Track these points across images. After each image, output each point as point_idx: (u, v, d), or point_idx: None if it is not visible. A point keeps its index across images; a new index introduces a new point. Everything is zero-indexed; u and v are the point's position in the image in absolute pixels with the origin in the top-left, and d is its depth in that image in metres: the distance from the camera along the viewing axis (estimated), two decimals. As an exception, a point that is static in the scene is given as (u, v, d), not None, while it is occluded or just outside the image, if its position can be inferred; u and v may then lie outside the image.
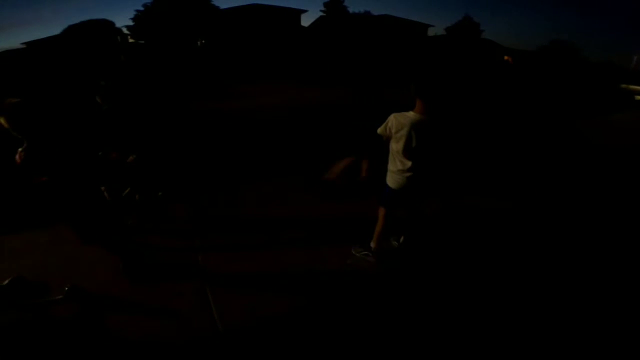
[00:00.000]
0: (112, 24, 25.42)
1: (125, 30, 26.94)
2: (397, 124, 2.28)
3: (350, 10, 29.25)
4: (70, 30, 23.77)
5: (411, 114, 2.27)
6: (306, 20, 32.67)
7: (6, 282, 2.41)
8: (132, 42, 26.77)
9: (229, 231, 3.28)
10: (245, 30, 25.31)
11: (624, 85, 14.03)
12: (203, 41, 26.75)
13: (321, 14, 29.53)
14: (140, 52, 22.62)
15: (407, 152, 2.31)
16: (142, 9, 25.87)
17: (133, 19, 26.47)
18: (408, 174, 2.37)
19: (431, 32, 31.30)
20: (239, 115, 8.74)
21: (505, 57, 29.12)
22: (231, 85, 15.32)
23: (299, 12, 28.44)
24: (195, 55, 22.56)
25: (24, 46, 25.37)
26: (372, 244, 2.70)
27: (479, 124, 7.18)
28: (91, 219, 2.31)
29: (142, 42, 26.25)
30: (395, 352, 1.96)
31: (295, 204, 3.74)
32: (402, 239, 2.90)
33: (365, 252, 2.73)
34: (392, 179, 2.47)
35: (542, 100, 11.47)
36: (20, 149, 2.00)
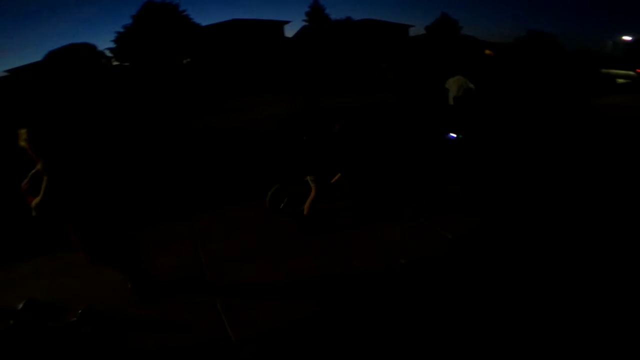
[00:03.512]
0: (93, 47, 25.29)
1: (108, 53, 26.83)
2: None
3: (332, 17, 29.56)
4: (52, 55, 23.54)
5: None
6: (290, 31, 32.90)
7: (21, 305, 2.37)
8: (116, 65, 26.62)
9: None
10: (229, 46, 25.41)
11: (604, 70, 14.39)
12: (188, 59, 26.75)
13: (304, 23, 29.83)
14: (126, 74, 22.52)
15: None
16: (122, 30, 25.76)
17: (114, 41, 26.35)
18: None
19: (412, 32, 31.96)
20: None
21: (487, 52, 29.77)
22: (221, 101, 15.25)
23: (281, 24, 28.70)
24: (181, 74, 22.51)
25: (7, 74, 25.08)
26: None
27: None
28: (101, 240, 2.28)
29: (127, 64, 26.10)
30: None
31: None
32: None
33: None
34: None
35: (537, 88, 11.68)
36: (30, 174, 1.96)
